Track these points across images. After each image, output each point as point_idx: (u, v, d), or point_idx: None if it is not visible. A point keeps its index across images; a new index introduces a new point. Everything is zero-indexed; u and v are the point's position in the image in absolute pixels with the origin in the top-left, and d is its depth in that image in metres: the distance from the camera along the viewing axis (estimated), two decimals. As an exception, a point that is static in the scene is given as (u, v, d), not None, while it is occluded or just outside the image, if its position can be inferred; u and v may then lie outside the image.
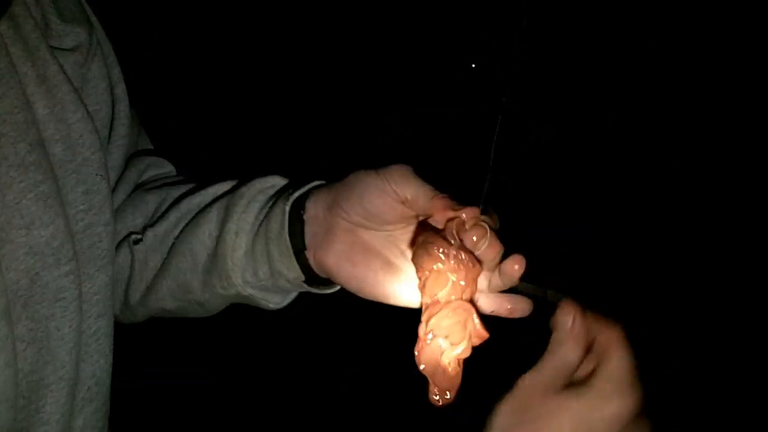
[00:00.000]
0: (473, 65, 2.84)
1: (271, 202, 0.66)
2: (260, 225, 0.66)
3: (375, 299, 0.62)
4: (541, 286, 0.53)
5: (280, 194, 0.67)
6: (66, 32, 0.64)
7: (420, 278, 0.55)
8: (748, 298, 2.09)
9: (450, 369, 0.52)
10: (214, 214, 0.69)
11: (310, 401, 2.03)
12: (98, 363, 0.65)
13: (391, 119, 2.47)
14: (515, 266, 0.54)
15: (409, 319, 0.58)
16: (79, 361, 0.62)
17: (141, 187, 0.78)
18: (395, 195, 0.58)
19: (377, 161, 0.60)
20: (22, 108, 0.57)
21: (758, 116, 2.25)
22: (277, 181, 0.69)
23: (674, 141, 2.35)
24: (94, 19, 0.69)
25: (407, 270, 0.60)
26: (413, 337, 0.54)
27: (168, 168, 0.81)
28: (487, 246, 0.53)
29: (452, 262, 0.52)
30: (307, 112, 2.47)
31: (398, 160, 0.60)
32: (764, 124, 2.24)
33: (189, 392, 2.00)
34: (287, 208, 0.63)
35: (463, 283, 0.53)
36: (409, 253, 0.59)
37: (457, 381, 0.52)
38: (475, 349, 0.53)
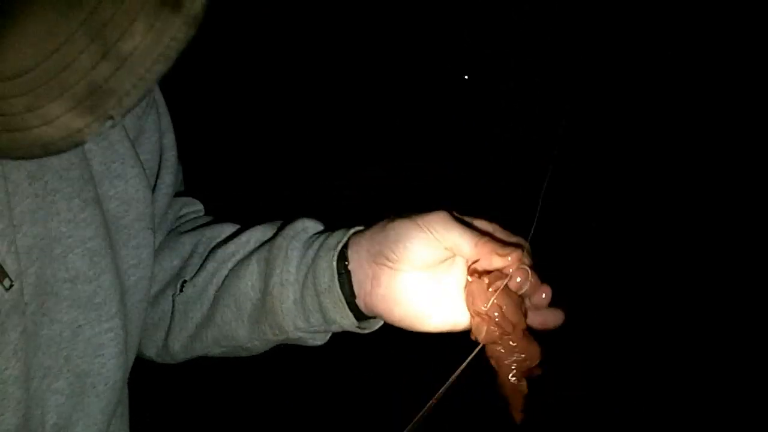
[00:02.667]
0: (465, 77, 2.85)
1: (312, 251, 0.68)
2: (306, 276, 0.68)
3: (426, 331, 0.65)
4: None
5: (318, 240, 0.69)
6: None
7: (474, 320, 0.61)
8: (748, 298, 2.11)
9: (524, 392, 0.59)
10: (254, 267, 0.70)
11: (313, 402, 2.04)
12: (123, 415, 0.68)
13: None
14: (543, 296, 0.60)
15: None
16: (111, 418, 0.63)
17: (176, 228, 0.79)
18: (439, 244, 0.61)
19: (412, 206, 0.63)
20: (79, 165, 0.58)
21: (758, 116, 2.28)
22: (307, 225, 0.71)
23: (681, 142, 2.38)
24: None
25: (450, 299, 0.64)
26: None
27: (198, 206, 0.82)
28: (529, 286, 0.59)
29: (497, 302, 0.58)
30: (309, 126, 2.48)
31: (434, 206, 0.62)
32: (764, 124, 2.27)
33: (189, 393, 2.01)
34: (334, 263, 0.66)
35: (513, 318, 0.59)
36: (447, 282, 0.64)
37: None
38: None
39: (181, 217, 0.81)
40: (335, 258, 0.66)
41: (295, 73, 2.49)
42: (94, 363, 0.60)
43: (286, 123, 2.46)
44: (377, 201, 2.33)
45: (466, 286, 0.62)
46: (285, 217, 0.73)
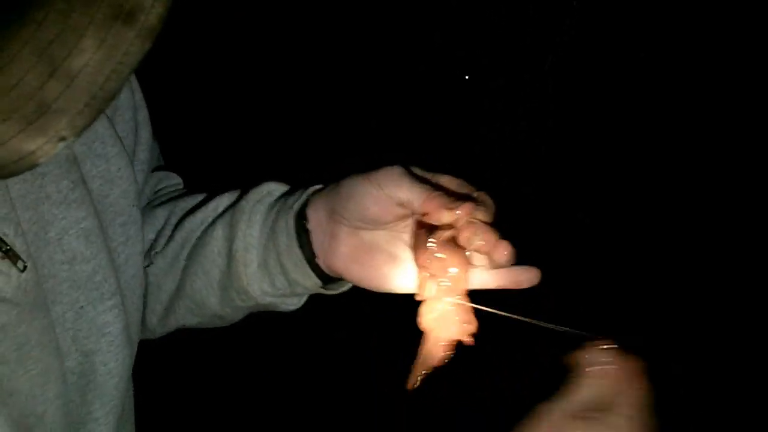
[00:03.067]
0: (466, 77, 2.86)
1: (273, 214, 0.68)
2: (267, 238, 0.67)
3: (386, 291, 0.64)
4: (562, 325, 0.54)
5: (279, 202, 0.69)
6: None
7: (420, 277, 0.59)
8: (749, 298, 2.09)
9: (439, 354, 0.57)
10: (219, 231, 0.70)
11: (312, 402, 2.04)
12: (130, 392, 0.68)
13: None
14: (504, 252, 0.56)
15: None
16: (125, 395, 0.64)
17: (150, 202, 0.79)
18: (390, 199, 0.59)
19: (368, 162, 0.62)
20: None
21: (755, 112, 2.27)
22: (273, 188, 0.71)
23: (676, 141, 2.37)
24: None
25: (411, 259, 0.62)
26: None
27: (176, 180, 0.82)
28: (480, 240, 0.56)
29: (440, 263, 0.56)
30: (301, 110, 2.50)
31: (387, 161, 0.61)
32: (764, 124, 2.26)
33: (190, 394, 2.01)
34: (292, 222, 0.65)
35: (449, 283, 0.56)
36: (408, 240, 0.63)
37: (439, 364, 0.57)
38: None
39: (158, 191, 0.81)
40: (293, 217, 0.65)
41: (284, 69, 2.50)
42: (101, 342, 0.61)
43: (277, 118, 2.48)
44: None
45: (411, 239, 0.60)
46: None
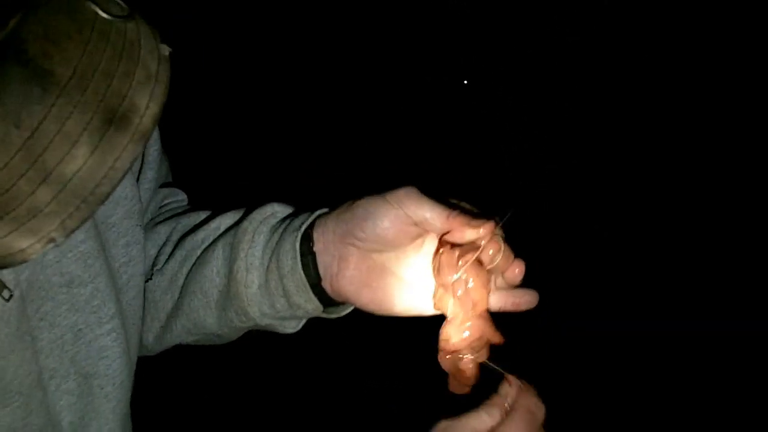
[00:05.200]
0: (465, 81, 2.85)
1: (276, 235, 0.66)
2: (270, 259, 0.66)
3: (394, 315, 0.63)
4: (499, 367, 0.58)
5: (284, 224, 0.67)
6: None
7: (438, 291, 0.58)
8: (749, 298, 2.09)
9: (468, 372, 0.57)
10: (219, 252, 0.69)
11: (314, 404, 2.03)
12: (128, 417, 0.67)
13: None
14: (516, 270, 0.58)
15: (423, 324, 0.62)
16: (124, 421, 0.64)
17: (154, 218, 0.78)
18: (409, 219, 0.58)
19: (381, 184, 0.61)
20: None
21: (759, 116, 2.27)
22: (277, 209, 0.69)
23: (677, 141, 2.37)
24: None
25: (420, 282, 0.62)
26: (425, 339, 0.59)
27: (181, 197, 0.81)
28: (501, 258, 0.57)
29: (465, 277, 0.56)
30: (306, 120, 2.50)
31: (402, 182, 0.60)
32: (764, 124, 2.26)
33: (191, 396, 1.99)
34: (297, 245, 0.63)
35: (475, 296, 0.56)
36: (417, 264, 0.62)
37: (474, 380, 0.58)
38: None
39: (162, 206, 0.80)
40: (298, 239, 0.63)
41: (291, 79, 2.50)
42: (99, 365, 0.60)
43: (282, 126, 2.47)
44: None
45: (434, 257, 0.59)
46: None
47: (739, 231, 2.24)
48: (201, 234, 0.72)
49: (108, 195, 0.39)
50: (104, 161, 0.38)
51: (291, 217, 0.68)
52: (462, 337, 0.56)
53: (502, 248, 0.56)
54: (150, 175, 0.73)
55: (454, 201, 0.61)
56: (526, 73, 2.57)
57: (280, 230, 0.66)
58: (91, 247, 0.59)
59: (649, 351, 2.04)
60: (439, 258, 0.58)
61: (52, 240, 0.39)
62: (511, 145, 2.54)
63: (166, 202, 0.80)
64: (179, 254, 0.72)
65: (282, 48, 2.53)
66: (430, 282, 0.60)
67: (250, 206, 0.73)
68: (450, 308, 0.57)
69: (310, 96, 2.50)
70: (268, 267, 0.66)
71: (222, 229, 0.71)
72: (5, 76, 0.36)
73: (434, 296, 0.58)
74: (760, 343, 1.98)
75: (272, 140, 2.43)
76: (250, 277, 0.66)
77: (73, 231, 0.39)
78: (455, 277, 0.56)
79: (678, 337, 2.03)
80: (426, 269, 0.61)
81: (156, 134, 0.72)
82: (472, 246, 0.56)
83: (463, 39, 2.61)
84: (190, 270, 0.71)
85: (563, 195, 2.33)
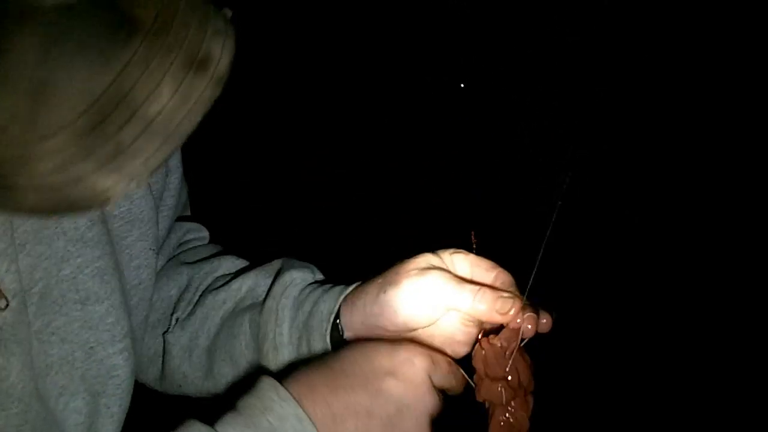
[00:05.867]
0: (461, 85, 2.85)
1: (302, 314, 0.67)
2: (299, 340, 0.67)
3: None
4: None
5: (308, 301, 0.67)
6: None
7: (485, 383, 0.59)
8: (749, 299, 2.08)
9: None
10: (246, 328, 0.70)
11: None
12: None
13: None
14: (548, 324, 0.60)
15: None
16: None
17: (177, 255, 0.79)
18: (438, 308, 0.61)
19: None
20: None
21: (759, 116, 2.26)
22: (295, 276, 0.70)
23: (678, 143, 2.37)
24: None
25: (450, 337, 0.63)
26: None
27: (203, 233, 0.82)
28: (534, 327, 0.59)
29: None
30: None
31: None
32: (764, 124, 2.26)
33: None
34: (328, 339, 0.65)
35: (524, 380, 0.59)
36: (443, 325, 0.63)
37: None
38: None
39: (184, 243, 0.81)
40: (328, 330, 0.65)
41: (287, 72, 2.50)
42: (108, 384, 0.60)
43: (284, 119, 2.48)
44: (375, 202, 2.33)
45: (476, 352, 0.61)
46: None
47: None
48: (222, 294, 0.73)
49: (188, 134, 0.40)
50: (186, 102, 0.39)
51: (312, 287, 0.69)
52: (507, 414, 0.58)
53: (533, 322, 0.58)
54: (170, 201, 0.73)
55: (474, 259, 0.63)
56: (525, 73, 2.57)
57: (306, 308, 0.67)
58: (108, 264, 0.59)
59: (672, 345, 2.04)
60: (484, 354, 0.59)
61: (134, 178, 0.39)
62: (511, 145, 2.54)
63: (188, 238, 0.81)
64: (200, 312, 0.73)
65: (283, 47, 2.53)
66: (452, 338, 0.62)
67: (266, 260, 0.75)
68: (504, 397, 0.58)
69: (310, 94, 2.50)
70: (298, 347, 0.67)
71: (243, 290, 0.72)
72: (94, 20, 0.37)
73: (480, 388, 0.59)
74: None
75: (273, 138, 2.43)
76: (280, 356, 0.67)
77: (154, 170, 0.40)
78: (506, 370, 0.58)
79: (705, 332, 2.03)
80: (448, 327, 0.62)
81: (179, 161, 0.73)
82: (513, 333, 0.58)
83: (463, 39, 2.61)
84: (215, 334, 0.72)
85: (563, 195, 2.32)
